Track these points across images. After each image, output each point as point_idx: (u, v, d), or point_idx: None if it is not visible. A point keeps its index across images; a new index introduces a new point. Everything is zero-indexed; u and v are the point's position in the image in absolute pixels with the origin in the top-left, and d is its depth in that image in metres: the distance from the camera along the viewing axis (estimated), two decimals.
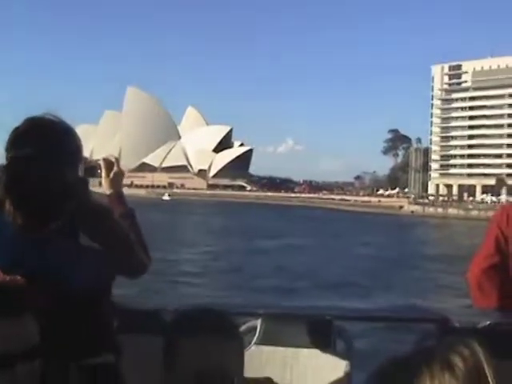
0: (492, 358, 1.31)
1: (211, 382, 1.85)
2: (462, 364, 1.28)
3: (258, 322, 3.33)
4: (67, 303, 2.34)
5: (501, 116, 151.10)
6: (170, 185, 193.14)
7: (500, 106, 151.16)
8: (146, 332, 2.91)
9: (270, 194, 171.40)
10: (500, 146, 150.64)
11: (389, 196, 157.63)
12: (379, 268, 36.61)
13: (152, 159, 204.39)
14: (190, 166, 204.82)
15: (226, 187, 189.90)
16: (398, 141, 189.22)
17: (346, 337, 3.34)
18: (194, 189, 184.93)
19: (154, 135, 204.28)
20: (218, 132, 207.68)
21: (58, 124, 2.50)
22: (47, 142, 2.43)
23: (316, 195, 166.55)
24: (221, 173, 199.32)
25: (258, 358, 3.20)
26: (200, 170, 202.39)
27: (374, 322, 5.33)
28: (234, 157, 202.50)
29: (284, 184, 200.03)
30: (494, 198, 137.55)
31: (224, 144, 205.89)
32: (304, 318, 3.43)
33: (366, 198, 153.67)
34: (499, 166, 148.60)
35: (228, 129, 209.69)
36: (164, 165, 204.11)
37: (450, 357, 1.30)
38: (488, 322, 3.06)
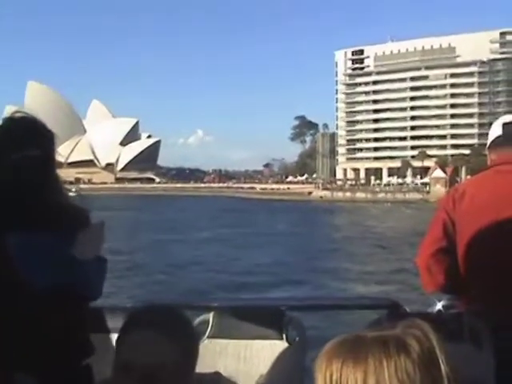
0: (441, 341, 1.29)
1: (162, 378, 1.85)
2: (417, 346, 1.30)
3: (211, 316, 3.33)
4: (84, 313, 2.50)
5: (403, 99, 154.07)
6: (78, 180, 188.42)
7: (402, 90, 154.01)
8: (97, 331, 2.94)
9: (178, 185, 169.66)
10: (404, 128, 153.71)
11: (298, 182, 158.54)
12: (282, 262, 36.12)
13: (57, 155, 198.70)
14: (97, 159, 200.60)
15: (134, 180, 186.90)
16: (305, 127, 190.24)
17: (298, 326, 3.31)
18: (101, 183, 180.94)
19: (57, 130, 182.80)
20: (125, 124, 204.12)
21: (43, 123, 2.48)
22: (48, 142, 2.43)
23: (225, 184, 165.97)
24: (129, 166, 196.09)
25: (211, 352, 3.22)
26: (107, 164, 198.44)
27: (327, 310, 5.41)
28: (141, 149, 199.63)
29: (193, 174, 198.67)
30: (399, 180, 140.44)
31: (131, 136, 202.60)
32: (256, 310, 3.47)
33: (275, 186, 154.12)
34: (404, 148, 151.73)
35: (135, 121, 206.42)
36: (70, 160, 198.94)
37: (405, 338, 1.32)
38: (438, 307, 3.19)
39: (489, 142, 3.36)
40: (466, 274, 3.19)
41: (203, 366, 2.15)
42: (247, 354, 3.25)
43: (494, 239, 3.09)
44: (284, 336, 3.24)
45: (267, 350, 3.23)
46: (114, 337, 2.14)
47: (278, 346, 3.22)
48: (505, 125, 3.28)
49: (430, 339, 1.34)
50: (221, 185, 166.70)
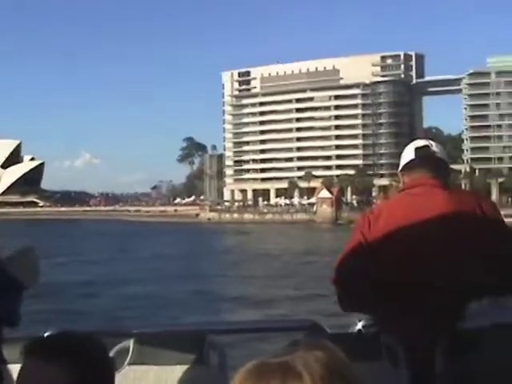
0: (359, 360, 1.35)
1: None
2: (317, 367, 1.31)
3: (131, 342, 3.29)
4: None
5: (289, 120, 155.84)
6: None
7: (288, 111, 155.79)
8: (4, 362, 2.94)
9: (63, 209, 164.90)
10: (290, 149, 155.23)
11: (186, 204, 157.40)
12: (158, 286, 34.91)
13: None
14: None
15: (16, 204, 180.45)
16: (193, 148, 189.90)
17: (219, 351, 3.32)
18: None
19: None
20: (6, 146, 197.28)
21: None
22: None
23: (112, 208, 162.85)
24: (10, 189, 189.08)
25: (132, 379, 3.20)
26: None
27: (247, 333, 5.40)
28: (24, 172, 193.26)
29: (79, 198, 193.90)
30: (287, 201, 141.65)
31: (13, 159, 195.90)
32: (177, 335, 3.47)
33: (162, 208, 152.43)
34: (291, 169, 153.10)
35: (16, 143, 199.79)
36: None
37: (306, 360, 1.33)
38: (358, 327, 3.32)
39: (401, 165, 3.48)
40: (382, 293, 3.25)
41: None
42: (168, 380, 3.20)
43: (408, 259, 3.22)
44: (205, 361, 3.24)
45: (188, 376, 3.20)
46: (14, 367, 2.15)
47: (199, 371, 3.22)
48: (417, 149, 3.43)
49: (333, 359, 1.35)
50: (107, 208, 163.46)
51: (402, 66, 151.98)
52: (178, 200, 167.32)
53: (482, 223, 3.26)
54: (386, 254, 3.25)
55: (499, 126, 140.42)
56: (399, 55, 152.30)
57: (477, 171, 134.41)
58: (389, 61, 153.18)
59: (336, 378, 1.32)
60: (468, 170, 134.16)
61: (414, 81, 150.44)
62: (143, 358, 3.21)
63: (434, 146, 3.47)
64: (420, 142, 3.50)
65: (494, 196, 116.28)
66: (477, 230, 3.24)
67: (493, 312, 2.99)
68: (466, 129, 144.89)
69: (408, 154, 3.47)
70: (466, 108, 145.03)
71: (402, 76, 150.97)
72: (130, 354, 3.21)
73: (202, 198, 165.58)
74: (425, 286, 3.16)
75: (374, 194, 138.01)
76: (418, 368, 2.95)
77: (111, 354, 2.99)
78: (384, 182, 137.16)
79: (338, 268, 3.38)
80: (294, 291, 32.79)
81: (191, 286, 34.39)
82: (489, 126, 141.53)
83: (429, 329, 3.05)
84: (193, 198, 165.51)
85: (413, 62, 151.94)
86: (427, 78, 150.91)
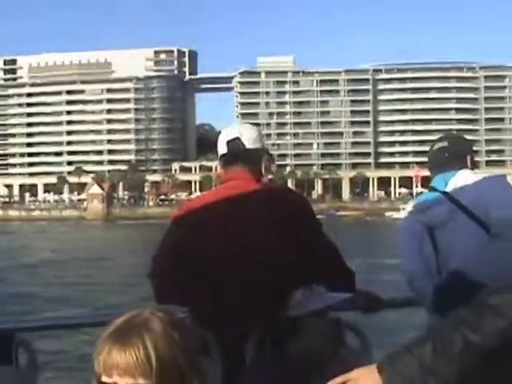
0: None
1: None
2: (159, 323, 1.51)
3: None
4: None
5: (59, 113, 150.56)
6: None
7: (58, 103, 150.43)
8: None
9: None
10: (60, 143, 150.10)
11: None
12: None
13: None
14: None
15: None
16: None
17: (28, 350, 3.18)
18: None
19: None
20: None
21: None
22: None
23: None
24: None
25: None
26: None
27: (62, 329, 5.24)
28: None
29: None
30: (56, 197, 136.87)
31: None
32: None
33: None
34: (60, 163, 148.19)
35: None
36: None
37: (146, 315, 1.52)
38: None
39: (219, 160, 3.46)
40: (195, 285, 3.32)
41: None
42: None
43: (221, 247, 3.29)
44: (13, 361, 3.14)
45: None
46: None
47: (7, 370, 3.11)
48: (228, 142, 3.39)
49: (173, 316, 1.55)
50: None
51: (176, 62, 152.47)
52: None
53: (291, 213, 3.29)
54: (202, 246, 3.28)
55: (268, 125, 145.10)
56: (173, 51, 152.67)
57: None
58: (162, 56, 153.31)
59: (181, 329, 1.51)
60: None
61: (187, 77, 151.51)
62: None
63: (246, 135, 3.39)
64: (231, 134, 3.38)
65: None
66: (286, 219, 3.27)
67: (308, 299, 3.01)
68: None
69: (221, 148, 3.41)
70: (237, 106, 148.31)
71: (176, 72, 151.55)
72: None
73: None
74: (237, 276, 3.20)
75: (146, 189, 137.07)
76: (230, 359, 2.98)
77: None
78: (157, 177, 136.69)
79: (153, 261, 3.39)
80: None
81: None
82: (259, 124, 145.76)
83: (242, 318, 3.08)
84: None
85: (186, 59, 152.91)
86: (200, 75, 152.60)
